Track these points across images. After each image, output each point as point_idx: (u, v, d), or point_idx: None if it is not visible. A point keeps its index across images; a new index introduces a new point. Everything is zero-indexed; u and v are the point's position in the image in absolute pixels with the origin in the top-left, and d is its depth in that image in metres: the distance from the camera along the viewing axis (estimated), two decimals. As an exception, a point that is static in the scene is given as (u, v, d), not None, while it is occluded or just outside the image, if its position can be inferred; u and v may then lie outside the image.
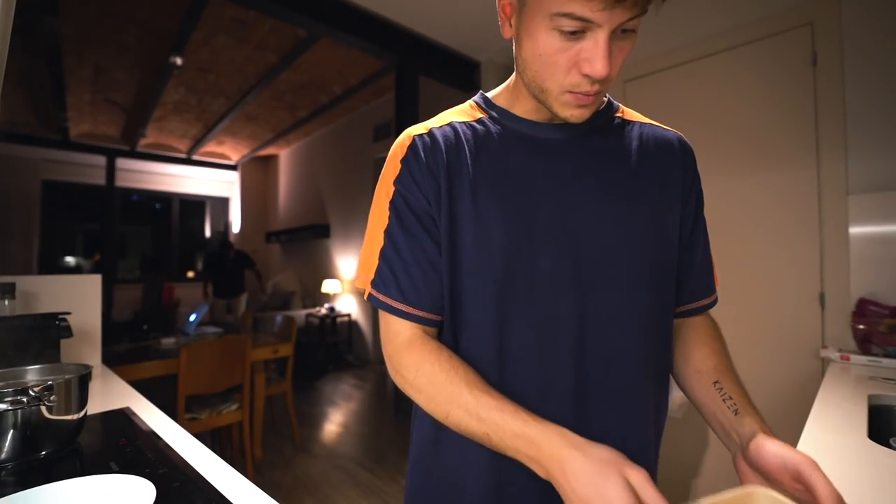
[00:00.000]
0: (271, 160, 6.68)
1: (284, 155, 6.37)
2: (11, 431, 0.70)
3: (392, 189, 0.57)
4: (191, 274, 6.41)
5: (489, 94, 0.63)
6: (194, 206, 6.55)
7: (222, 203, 6.77)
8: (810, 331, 1.58)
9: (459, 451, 0.56)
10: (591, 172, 0.57)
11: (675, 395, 1.78)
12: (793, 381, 1.61)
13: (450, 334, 0.58)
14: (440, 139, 0.57)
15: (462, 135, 0.58)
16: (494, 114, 0.60)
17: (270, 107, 4.45)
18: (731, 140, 1.79)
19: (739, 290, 1.75)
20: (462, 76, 3.01)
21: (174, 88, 3.84)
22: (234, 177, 6.75)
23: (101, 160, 5.43)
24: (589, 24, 0.44)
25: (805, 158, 1.61)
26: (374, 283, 0.57)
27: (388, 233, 0.57)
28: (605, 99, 0.62)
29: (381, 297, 0.57)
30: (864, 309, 1.43)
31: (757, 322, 1.71)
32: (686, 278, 0.63)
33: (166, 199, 6.25)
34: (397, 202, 0.56)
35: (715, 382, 0.55)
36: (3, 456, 0.71)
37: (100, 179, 5.45)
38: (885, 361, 1.32)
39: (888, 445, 0.77)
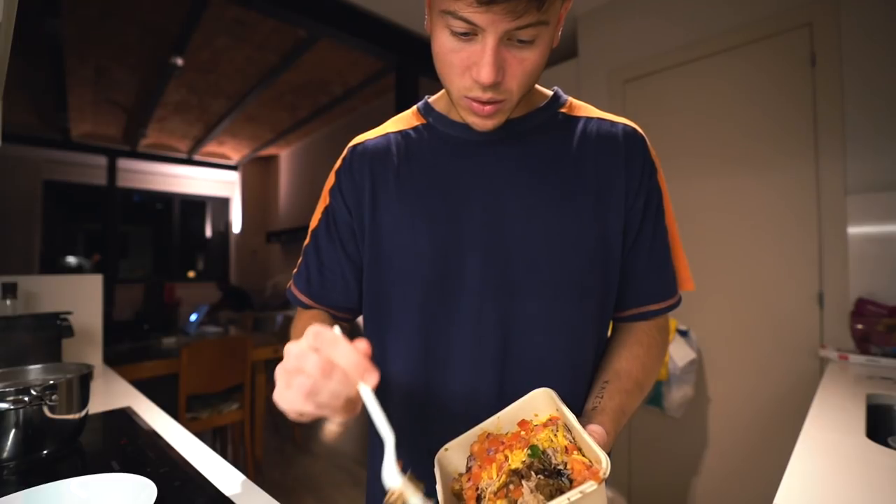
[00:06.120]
0: (272, 160, 6.67)
1: (285, 155, 6.36)
2: (13, 431, 0.71)
3: (327, 197, 0.64)
4: (191, 274, 6.41)
5: (431, 99, 0.63)
6: (195, 206, 6.56)
7: (223, 203, 6.77)
8: (809, 330, 1.58)
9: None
10: (524, 175, 0.55)
11: (674, 396, 1.78)
12: (791, 380, 1.61)
13: (375, 335, 0.60)
14: (370, 152, 0.61)
15: (394, 145, 0.60)
16: (431, 119, 0.61)
17: (271, 107, 4.45)
18: (730, 140, 1.79)
19: (738, 290, 1.76)
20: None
21: (175, 89, 3.84)
22: (234, 177, 6.75)
23: (102, 160, 5.43)
24: (474, 26, 0.43)
25: (804, 158, 1.61)
26: (294, 279, 0.67)
27: (315, 233, 0.65)
28: (552, 93, 0.61)
29: (294, 291, 0.66)
30: (862, 309, 1.43)
31: (756, 321, 1.71)
32: (629, 282, 0.59)
33: (167, 199, 6.25)
34: (328, 210, 0.64)
35: (606, 382, 0.54)
36: (5, 455, 0.71)
37: (101, 180, 5.44)
38: (884, 361, 1.32)
39: (886, 445, 0.77)
